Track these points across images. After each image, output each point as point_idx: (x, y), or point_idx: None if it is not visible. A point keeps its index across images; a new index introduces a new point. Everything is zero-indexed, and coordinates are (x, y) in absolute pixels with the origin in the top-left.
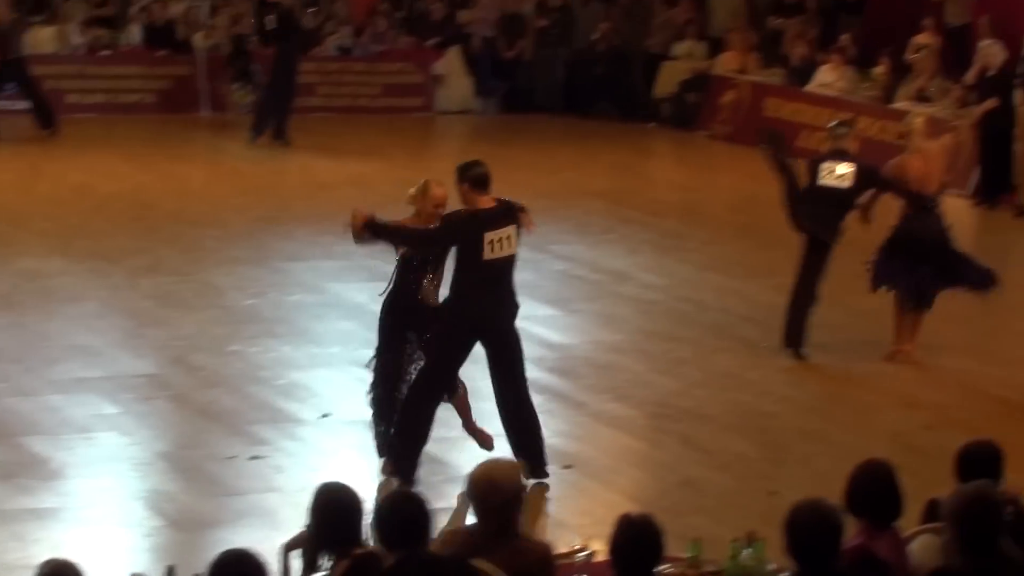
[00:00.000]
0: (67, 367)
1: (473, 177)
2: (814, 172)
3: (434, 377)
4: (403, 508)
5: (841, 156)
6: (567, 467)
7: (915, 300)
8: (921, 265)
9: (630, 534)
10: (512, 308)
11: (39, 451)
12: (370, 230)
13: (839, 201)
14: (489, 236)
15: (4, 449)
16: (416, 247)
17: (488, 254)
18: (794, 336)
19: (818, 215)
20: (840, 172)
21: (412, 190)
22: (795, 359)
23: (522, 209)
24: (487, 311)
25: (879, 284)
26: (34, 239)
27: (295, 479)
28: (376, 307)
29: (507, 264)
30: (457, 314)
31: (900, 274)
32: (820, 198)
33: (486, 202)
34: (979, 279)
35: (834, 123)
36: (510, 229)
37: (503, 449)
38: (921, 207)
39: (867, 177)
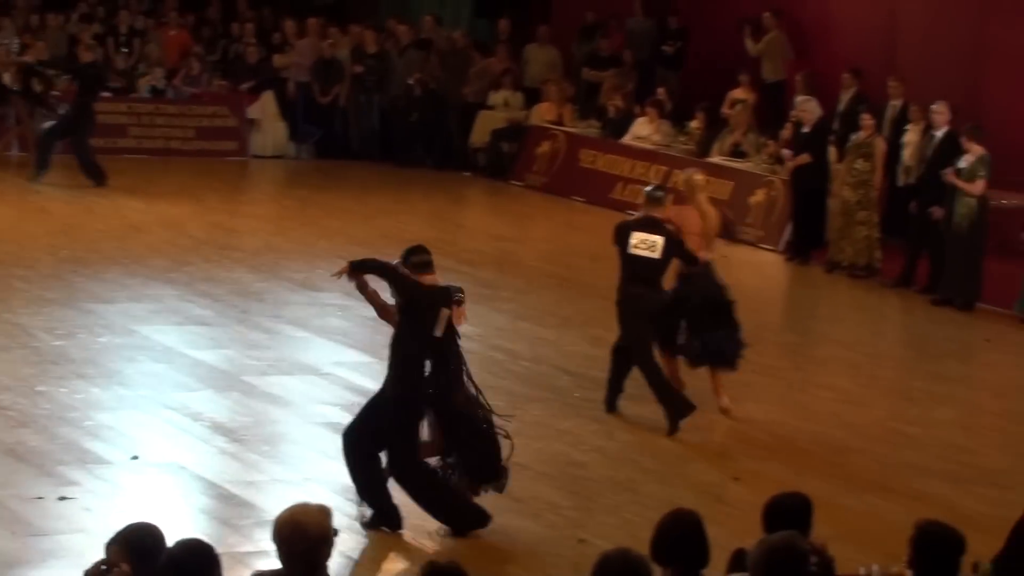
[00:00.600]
0: None
1: (415, 263)
2: (625, 239)
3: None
4: (189, 560)
5: (653, 225)
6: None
7: (709, 359)
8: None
9: None
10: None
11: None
12: (356, 267)
13: (652, 270)
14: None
15: None
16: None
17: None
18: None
19: (635, 291)
20: (652, 242)
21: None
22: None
23: (458, 301)
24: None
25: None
26: None
27: (103, 520)
28: (187, 350)
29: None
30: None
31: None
32: (632, 265)
33: (429, 280)
34: (731, 350)
35: (651, 187)
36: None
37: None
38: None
39: (673, 249)
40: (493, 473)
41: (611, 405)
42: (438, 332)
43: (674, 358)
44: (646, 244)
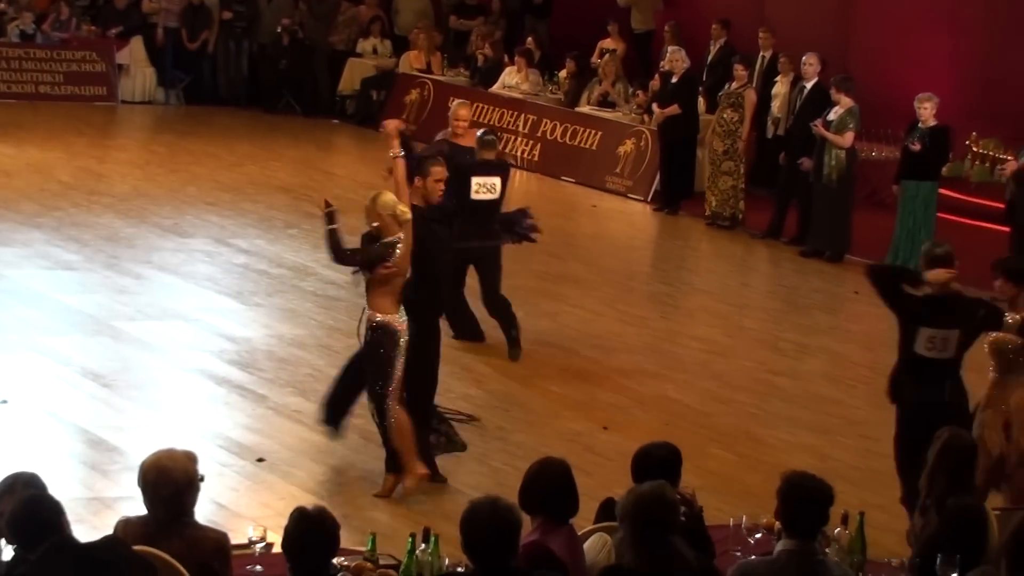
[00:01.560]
0: None
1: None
2: (466, 186)
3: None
4: (30, 509)
5: (488, 168)
6: (260, 460)
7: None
8: None
9: (303, 526)
10: None
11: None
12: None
13: (491, 212)
14: None
15: None
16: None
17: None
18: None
19: (475, 231)
20: (490, 185)
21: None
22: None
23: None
24: None
25: None
26: None
27: None
28: (57, 295)
29: None
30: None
31: None
32: (476, 212)
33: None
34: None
35: (481, 132)
36: None
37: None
38: None
39: (506, 179)
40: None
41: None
42: None
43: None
44: (486, 187)
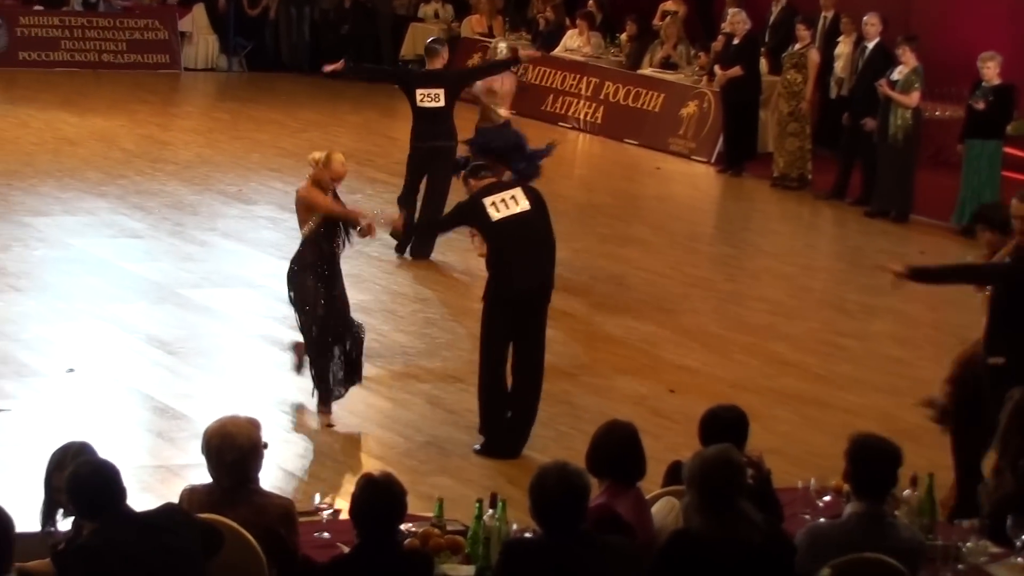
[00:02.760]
0: None
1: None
2: (413, 97)
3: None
4: (90, 478)
5: (436, 78)
6: (329, 426)
7: None
8: None
9: (371, 493)
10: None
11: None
12: None
13: (438, 118)
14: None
15: None
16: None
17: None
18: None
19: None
20: (434, 94)
21: (316, 155)
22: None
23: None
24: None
25: None
26: None
27: (39, 433)
28: (122, 263)
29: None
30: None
31: None
32: (424, 118)
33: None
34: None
35: (429, 40)
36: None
37: None
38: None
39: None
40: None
41: (403, 249)
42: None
43: None
44: (430, 97)
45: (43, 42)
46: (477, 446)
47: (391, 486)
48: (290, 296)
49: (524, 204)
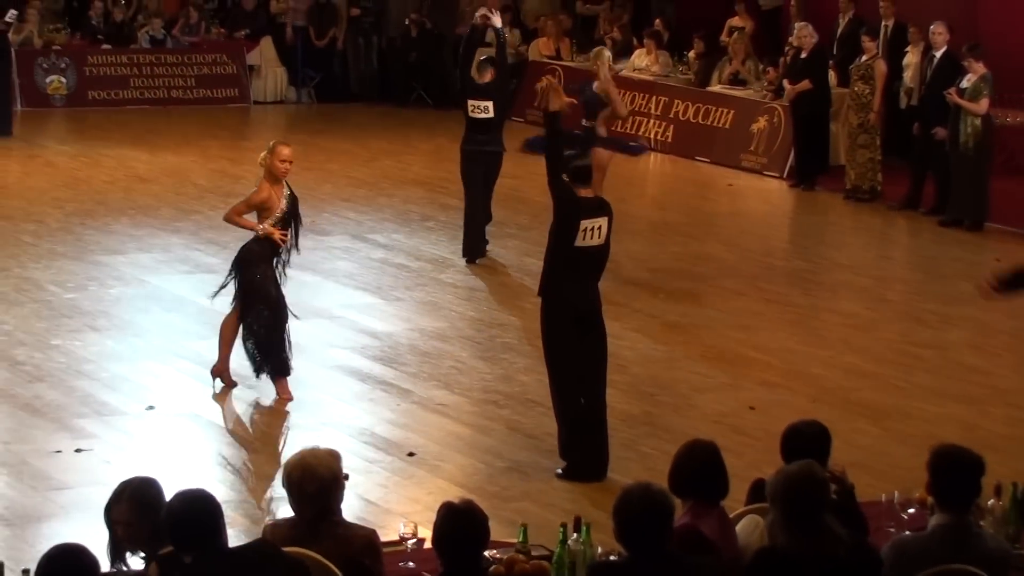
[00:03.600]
0: None
1: (574, 170)
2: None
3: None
4: (190, 508)
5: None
6: (411, 455)
7: None
8: None
9: (452, 521)
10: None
11: None
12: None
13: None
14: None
15: None
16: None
17: (580, 241)
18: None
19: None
20: (484, 106)
21: (262, 155)
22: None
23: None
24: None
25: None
26: None
27: (122, 471)
28: (197, 298)
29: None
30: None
31: None
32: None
33: (585, 193)
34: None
35: (482, 57)
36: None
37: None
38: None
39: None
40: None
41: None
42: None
43: None
44: (480, 108)
45: (112, 81)
46: (559, 470)
47: (473, 513)
48: (239, 281)
49: (602, 237)
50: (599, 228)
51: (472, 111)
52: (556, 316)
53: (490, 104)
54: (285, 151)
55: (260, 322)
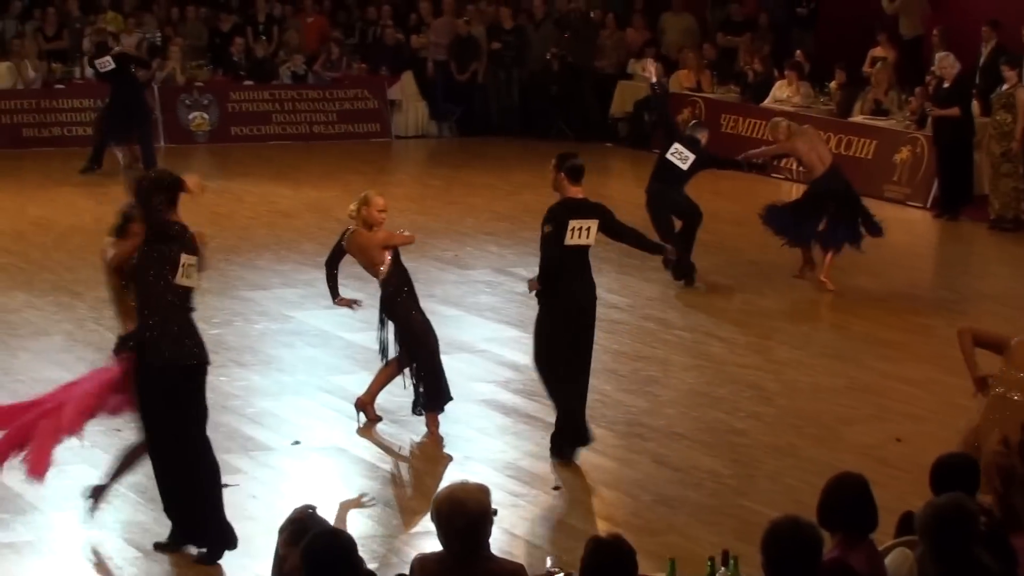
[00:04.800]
0: None
1: (569, 168)
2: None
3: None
4: (327, 547)
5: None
6: (556, 488)
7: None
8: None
9: (600, 555)
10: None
11: (12, 485)
12: None
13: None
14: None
15: None
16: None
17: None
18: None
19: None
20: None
21: (352, 206)
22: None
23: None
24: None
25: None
26: None
27: (268, 507)
28: (342, 333)
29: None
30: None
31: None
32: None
33: (576, 192)
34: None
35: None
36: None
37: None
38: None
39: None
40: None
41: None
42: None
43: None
44: (679, 156)
45: (254, 116)
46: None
47: (620, 547)
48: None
49: (592, 238)
50: (587, 228)
51: (672, 154)
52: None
53: (692, 157)
54: (380, 201)
55: (422, 364)
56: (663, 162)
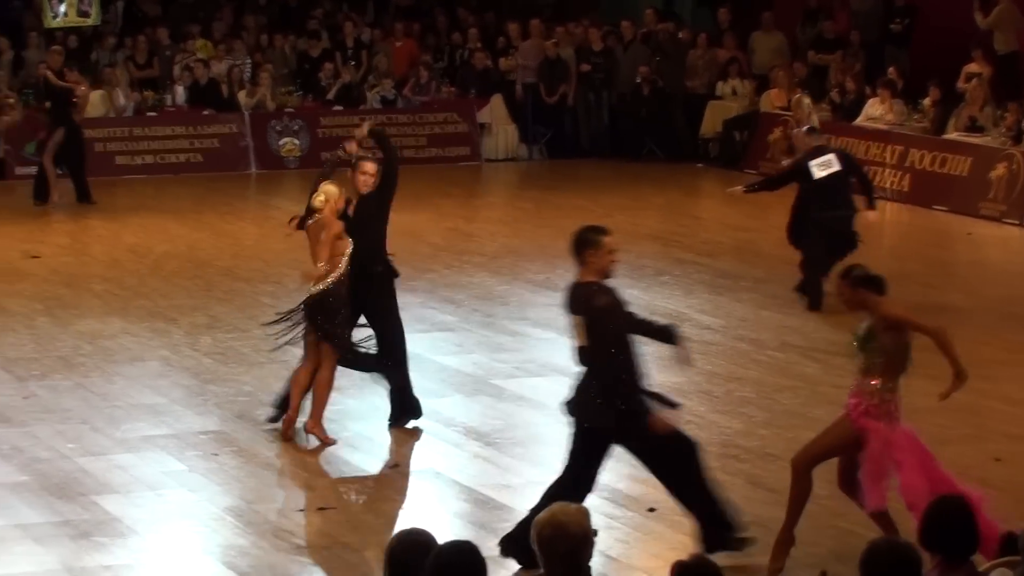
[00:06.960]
0: (133, 426)
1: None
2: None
3: None
4: (457, 561)
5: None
6: (651, 510)
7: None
8: None
9: None
10: None
11: (111, 509)
12: None
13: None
14: None
15: (78, 508)
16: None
17: None
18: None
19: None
20: (826, 162)
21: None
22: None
23: None
24: None
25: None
26: (92, 301)
27: (365, 530)
28: (435, 356)
29: None
30: None
31: None
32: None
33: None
34: None
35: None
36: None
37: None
38: None
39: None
40: None
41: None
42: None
43: None
44: (822, 164)
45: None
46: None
47: (705, 569)
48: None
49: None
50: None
51: (816, 167)
52: None
53: (832, 158)
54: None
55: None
56: (818, 186)
